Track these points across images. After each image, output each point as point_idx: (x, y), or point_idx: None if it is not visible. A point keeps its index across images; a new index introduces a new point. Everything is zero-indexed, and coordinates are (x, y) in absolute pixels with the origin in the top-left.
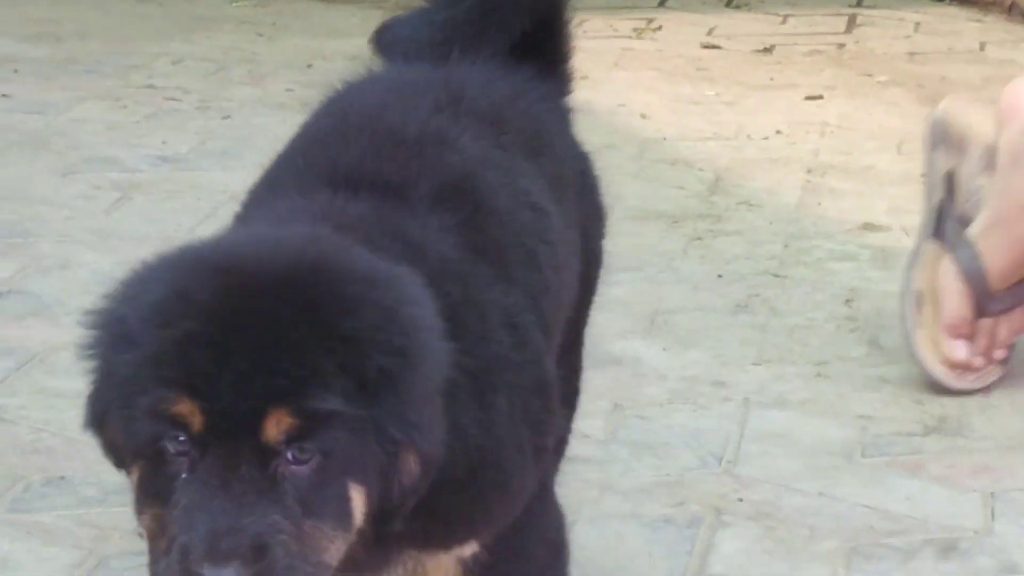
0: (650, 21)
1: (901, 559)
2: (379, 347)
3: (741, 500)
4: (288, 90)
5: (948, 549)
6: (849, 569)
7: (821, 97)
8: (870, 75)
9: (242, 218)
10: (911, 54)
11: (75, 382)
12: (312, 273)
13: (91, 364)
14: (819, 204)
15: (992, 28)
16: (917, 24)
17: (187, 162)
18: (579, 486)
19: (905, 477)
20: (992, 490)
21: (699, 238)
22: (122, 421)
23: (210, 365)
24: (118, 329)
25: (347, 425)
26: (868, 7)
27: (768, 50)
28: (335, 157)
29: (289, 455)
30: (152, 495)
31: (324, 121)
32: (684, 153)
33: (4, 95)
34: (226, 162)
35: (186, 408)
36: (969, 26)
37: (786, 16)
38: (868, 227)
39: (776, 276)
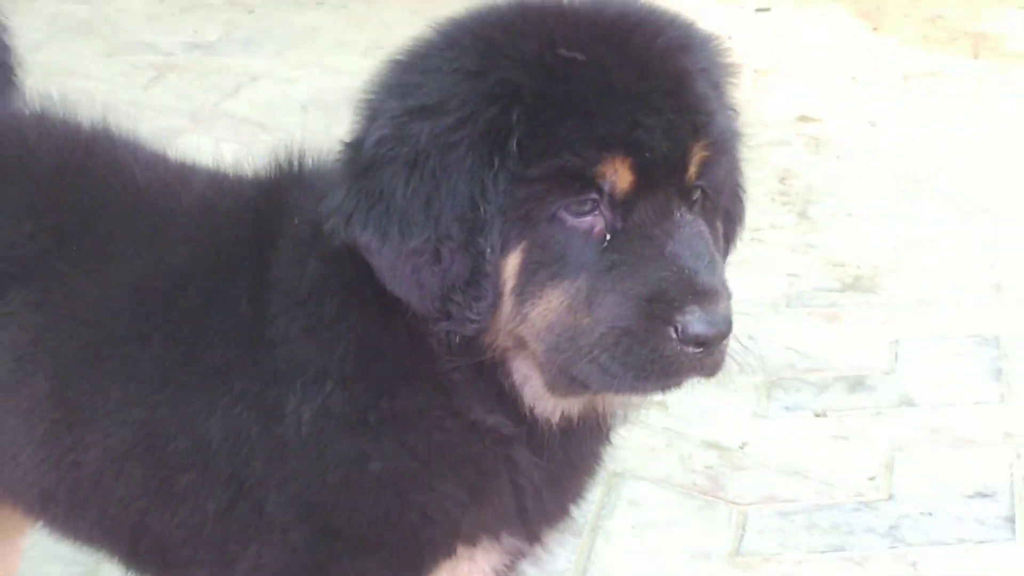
0: None
1: (813, 391)
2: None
3: None
4: None
5: (856, 384)
6: (771, 400)
7: (768, 9)
8: None
9: None
10: None
11: None
12: (683, 23)
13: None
14: (763, 99)
15: None
16: None
17: (215, 48)
18: None
19: (823, 324)
20: (897, 338)
21: None
22: (505, 200)
23: (644, 118)
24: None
25: (729, 156)
26: None
27: None
28: None
29: (698, 191)
30: (556, 272)
31: None
32: None
33: None
34: (248, 49)
35: (616, 165)
36: None
37: None
38: (803, 119)
39: None
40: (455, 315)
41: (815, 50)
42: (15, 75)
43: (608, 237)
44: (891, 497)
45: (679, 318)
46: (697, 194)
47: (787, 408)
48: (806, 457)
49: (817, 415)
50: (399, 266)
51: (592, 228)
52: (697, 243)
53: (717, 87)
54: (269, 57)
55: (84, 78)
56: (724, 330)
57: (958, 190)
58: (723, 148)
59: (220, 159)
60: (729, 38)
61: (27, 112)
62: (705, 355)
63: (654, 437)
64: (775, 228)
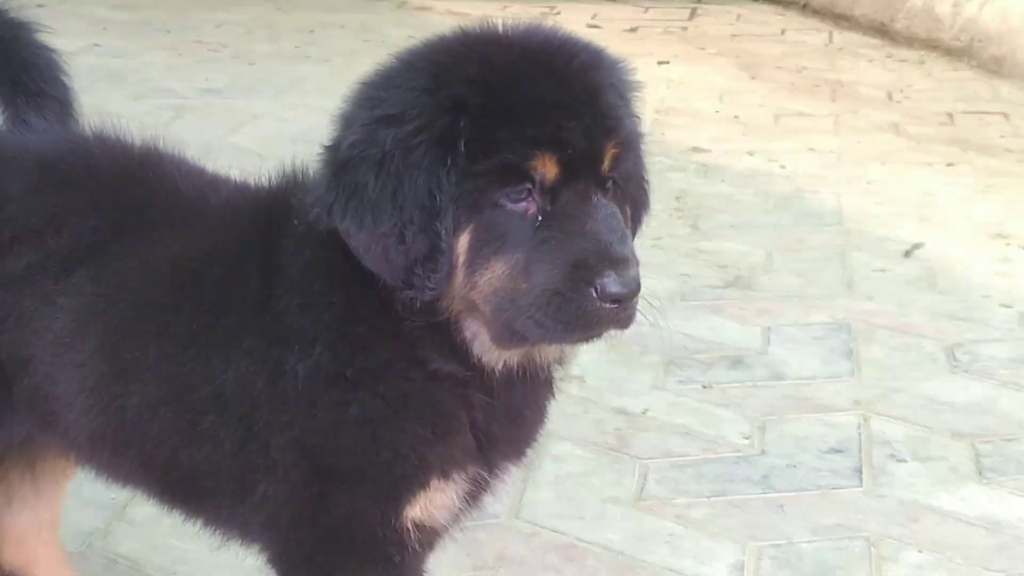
0: (552, 8)
1: (701, 368)
2: (635, 105)
3: None
4: (296, 47)
5: (735, 362)
6: (667, 375)
7: (669, 62)
8: (704, 48)
9: None
10: (733, 35)
11: None
12: (595, 47)
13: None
14: (662, 133)
15: (790, 19)
16: (738, 15)
17: (223, 93)
18: None
19: (710, 315)
20: (769, 325)
21: None
22: (456, 191)
23: (566, 122)
24: (458, 98)
25: (635, 153)
26: (705, 3)
27: (634, 30)
28: None
29: (610, 181)
30: (498, 247)
31: None
32: None
33: (96, 44)
34: (250, 94)
35: (545, 160)
36: (774, 17)
37: (648, 7)
38: (695, 150)
39: None
40: (417, 285)
41: (705, 95)
42: (73, 110)
43: (540, 218)
44: (763, 452)
45: (598, 280)
46: (610, 184)
47: (680, 381)
48: (695, 421)
49: (704, 387)
50: (372, 246)
51: (527, 211)
52: (611, 221)
53: (624, 98)
54: (266, 100)
55: (117, 117)
56: (635, 289)
57: (817, 207)
58: (630, 146)
59: None
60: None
61: (91, 133)
62: (620, 310)
63: (574, 405)
64: (672, 237)
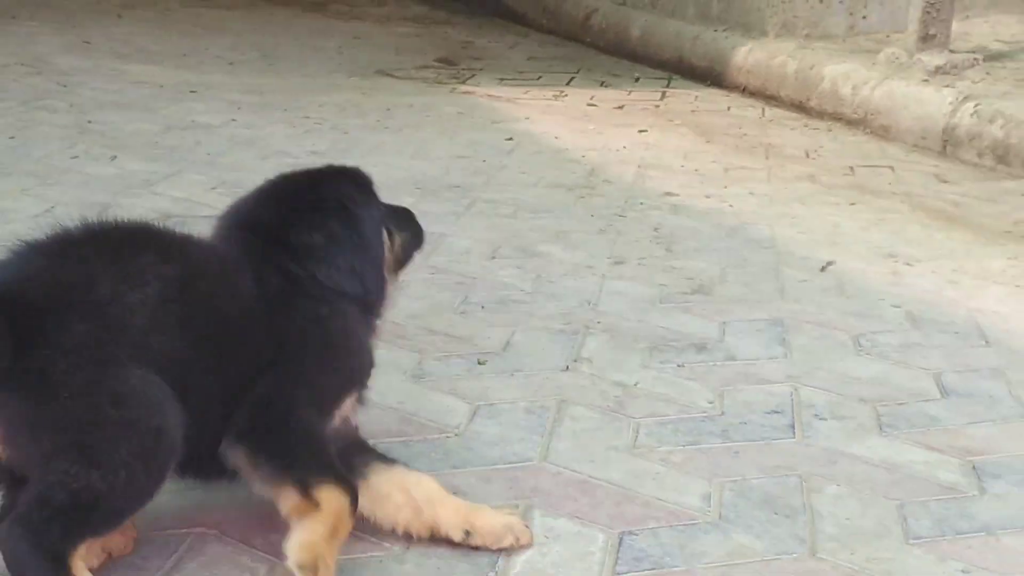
0: (561, 91)
1: (676, 352)
2: None
3: (599, 323)
4: (377, 120)
5: (700, 348)
6: (652, 357)
7: (647, 131)
8: (672, 120)
9: None
10: (692, 111)
11: None
12: None
13: None
14: (644, 183)
15: (734, 99)
16: (696, 96)
17: (325, 155)
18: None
19: (683, 314)
20: (724, 321)
21: (581, 196)
22: None
23: None
24: None
25: None
26: (672, 88)
27: (621, 107)
28: None
29: None
30: None
31: None
32: (575, 155)
33: (233, 119)
34: (344, 155)
35: None
36: (722, 98)
37: (631, 91)
38: (668, 194)
39: (620, 216)
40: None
41: (673, 154)
42: None
43: None
44: (723, 413)
45: None
46: None
47: (661, 362)
48: (673, 390)
49: (679, 366)
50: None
51: None
52: None
53: None
54: (356, 159)
55: (250, 173)
56: None
57: (757, 235)
58: None
59: None
60: (624, 147)
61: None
62: None
63: (584, 380)
64: (652, 257)
